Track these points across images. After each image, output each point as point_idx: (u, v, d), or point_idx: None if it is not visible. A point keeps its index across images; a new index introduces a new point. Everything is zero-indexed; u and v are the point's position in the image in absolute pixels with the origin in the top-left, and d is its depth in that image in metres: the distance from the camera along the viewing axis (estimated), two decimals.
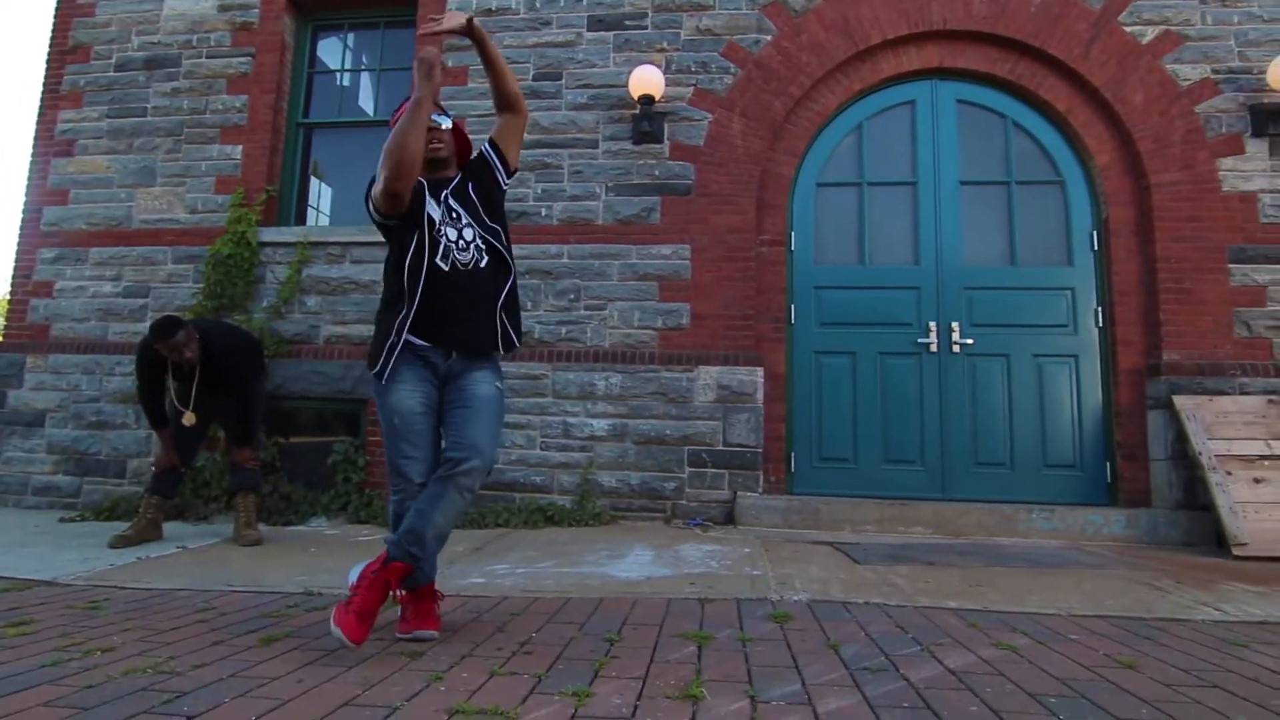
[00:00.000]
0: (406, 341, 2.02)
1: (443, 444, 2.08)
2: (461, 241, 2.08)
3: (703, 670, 1.72)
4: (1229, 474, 3.72)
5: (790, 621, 2.18)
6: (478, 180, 2.20)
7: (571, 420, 4.40)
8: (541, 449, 4.40)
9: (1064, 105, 4.49)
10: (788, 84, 4.58)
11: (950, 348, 4.40)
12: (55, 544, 3.48)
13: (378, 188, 1.99)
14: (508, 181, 2.26)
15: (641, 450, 4.32)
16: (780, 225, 4.59)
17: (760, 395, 4.32)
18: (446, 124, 2.16)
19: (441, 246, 2.05)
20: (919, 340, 4.42)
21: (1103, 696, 1.59)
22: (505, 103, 2.22)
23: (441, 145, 2.13)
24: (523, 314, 4.47)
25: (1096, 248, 4.43)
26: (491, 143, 2.24)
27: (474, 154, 2.26)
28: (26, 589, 2.59)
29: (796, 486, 4.39)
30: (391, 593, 1.92)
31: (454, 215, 2.11)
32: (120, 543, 3.42)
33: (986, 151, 4.61)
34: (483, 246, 2.11)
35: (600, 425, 4.37)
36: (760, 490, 4.23)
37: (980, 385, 4.38)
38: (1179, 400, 3.98)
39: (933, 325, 4.42)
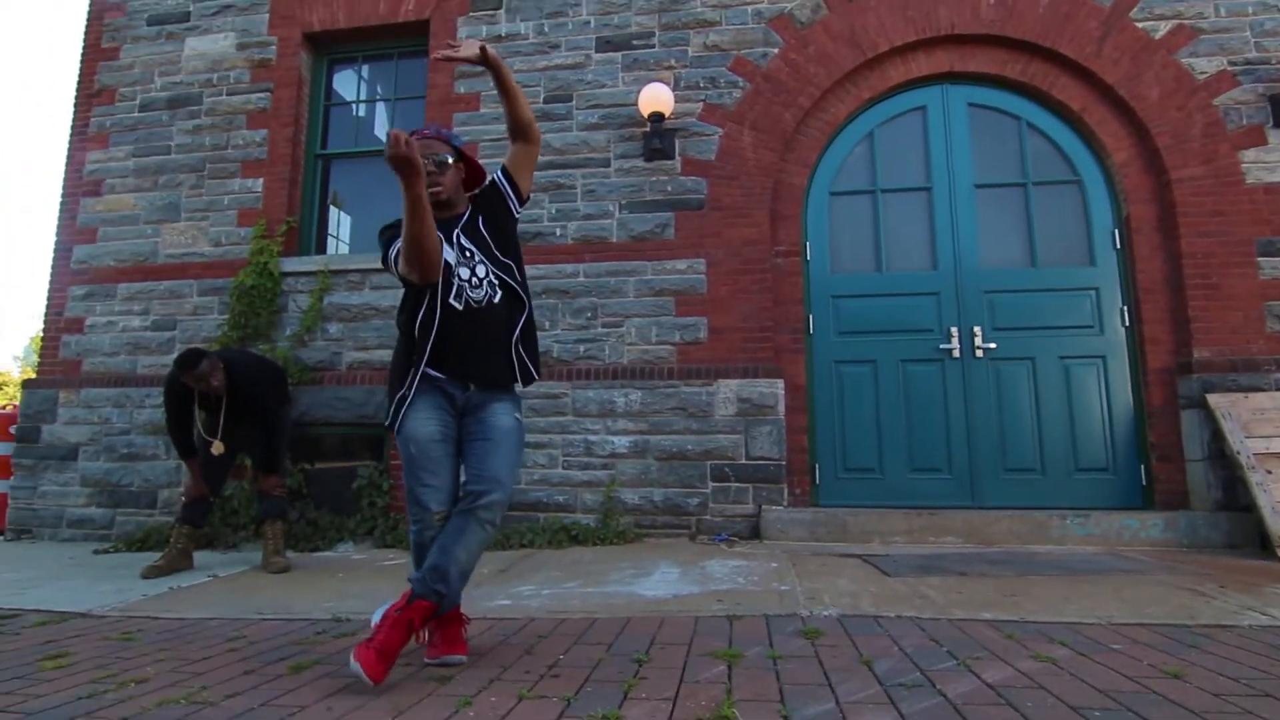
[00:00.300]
0: (423, 373, 2.03)
1: (462, 477, 2.06)
2: (474, 279, 2.07)
3: (733, 690, 1.69)
4: (1269, 473, 3.61)
5: (821, 637, 2.15)
6: (489, 213, 2.18)
7: (593, 438, 4.40)
8: (564, 468, 4.40)
9: (1078, 104, 4.45)
10: (797, 95, 4.59)
11: (973, 353, 4.34)
12: (90, 576, 3.54)
13: (403, 269, 1.98)
14: (520, 210, 2.25)
15: (664, 466, 4.30)
16: (795, 236, 4.58)
17: (781, 407, 4.29)
18: (447, 159, 2.13)
19: (455, 287, 2.05)
20: (941, 346, 4.37)
21: (1149, 708, 1.54)
22: (519, 130, 2.19)
23: (441, 188, 2.09)
24: (540, 334, 4.56)
25: (1119, 246, 4.36)
26: (504, 171, 2.23)
27: (486, 181, 2.26)
28: (63, 621, 2.63)
29: (822, 499, 4.34)
30: (415, 634, 1.89)
31: (466, 254, 2.09)
32: (152, 573, 3.47)
33: (1001, 154, 4.57)
34: (495, 283, 2.09)
35: (621, 442, 4.36)
36: (785, 503, 4.18)
37: (1006, 390, 4.31)
38: (1213, 398, 3.88)
39: (954, 330, 4.37)
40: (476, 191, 2.27)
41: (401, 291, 2.19)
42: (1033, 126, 4.56)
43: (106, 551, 4.32)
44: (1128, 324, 4.28)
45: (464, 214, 2.16)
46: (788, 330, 4.47)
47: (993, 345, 4.33)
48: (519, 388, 2.17)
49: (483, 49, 2.07)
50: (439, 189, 2.09)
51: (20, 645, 2.29)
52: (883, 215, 4.58)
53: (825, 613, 2.45)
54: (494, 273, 2.10)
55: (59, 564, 3.90)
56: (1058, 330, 4.32)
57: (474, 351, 2.06)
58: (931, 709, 1.55)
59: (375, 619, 1.94)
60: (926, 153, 4.61)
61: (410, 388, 2.02)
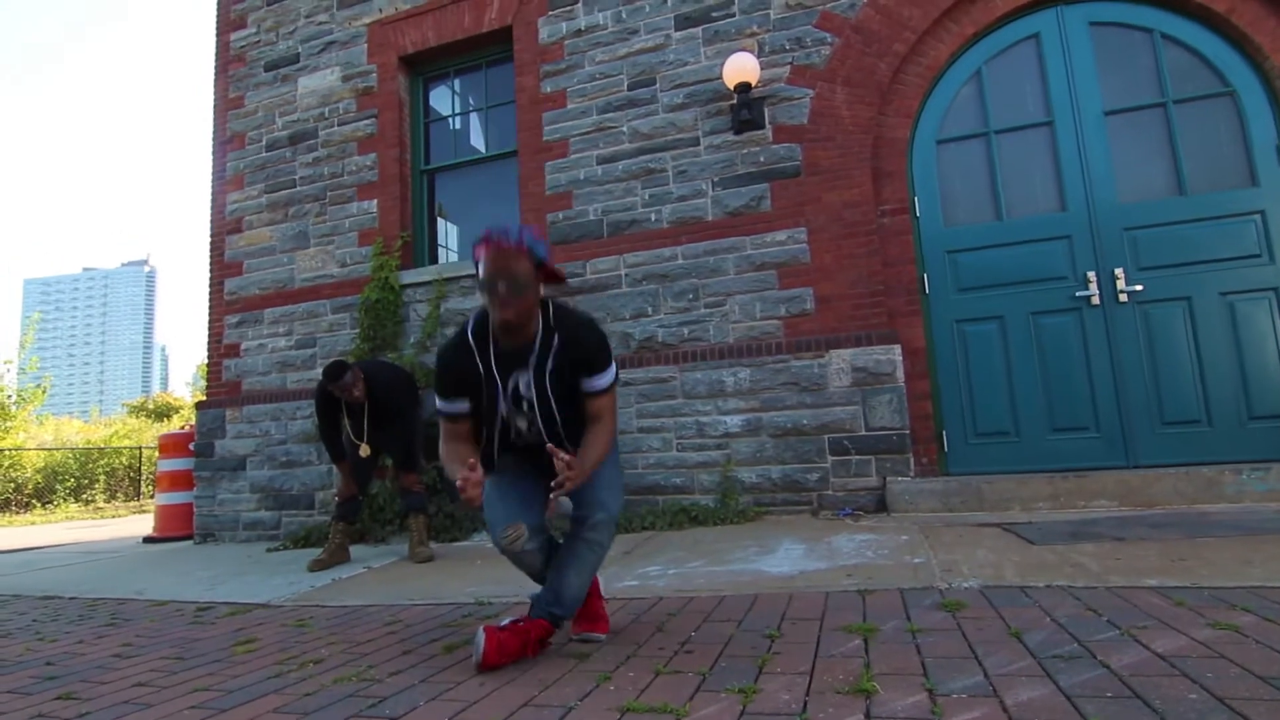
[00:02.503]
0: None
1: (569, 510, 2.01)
2: (532, 430, 1.98)
3: (872, 664, 1.65)
4: None
5: (962, 610, 2.04)
6: (561, 365, 1.90)
7: (704, 420, 4.40)
8: (678, 450, 4.43)
9: (1223, 6, 3.91)
10: (891, 42, 4.33)
11: (1116, 297, 3.95)
12: (265, 571, 3.97)
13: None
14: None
15: (779, 443, 4.24)
16: (901, 192, 4.34)
17: (900, 374, 4.10)
18: (525, 282, 1.80)
19: (512, 431, 1.99)
20: (1077, 294, 4.01)
21: None
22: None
23: (512, 313, 1.80)
24: (643, 320, 4.60)
25: None
26: (585, 388, 1.95)
27: (587, 362, 1.93)
28: (248, 612, 2.97)
29: (952, 467, 4.12)
30: (528, 647, 1.89)
31: (525, 407, 1.94)
32: (317, 566, 3.84)
33: (1133, 74, 4.11)
34: (545, 433, 1.95)
35: (734, 422, 4.34)
36: (912, 474, 4.00)
37: (1158, 335, 3.90)
38: None
39: (1091, 275, 3.99)
40: (570, 329, 1.93)
41: None
42: (1169, 38, 4.06)
43: (277, 549, 4.82)
44: None
45: (534, 344, 1.90)
46: (901, 292, 4.26)
47: (1139, 287, 3.92)
48: None
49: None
50: (510, 317, 1.81)
51: (216, 633, 2.61)
52: (998, 159, 4.25)
53: (965, 584, 2.33)
54: (545, 428, 1.94)
55: (239, 562, 4.39)
56: (1217, 264, 3.85)
57: (535, 453, 1.99)
58: (1093, 680, 1.44)
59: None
60: (1044, 84, 4.22)
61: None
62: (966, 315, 4.20)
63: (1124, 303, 3.94)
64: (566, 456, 1.75)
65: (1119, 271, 3.95)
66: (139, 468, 14.46)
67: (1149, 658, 1.55)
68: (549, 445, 1.79)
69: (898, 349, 4.13)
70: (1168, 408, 3.85)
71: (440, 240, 5.73)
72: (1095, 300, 3.98)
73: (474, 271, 1.93)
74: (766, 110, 4.48)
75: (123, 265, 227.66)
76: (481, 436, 1.99)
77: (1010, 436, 4.07)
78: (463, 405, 1.96)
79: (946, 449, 4.14)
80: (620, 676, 1.71)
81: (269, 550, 4.80)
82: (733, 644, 1.90)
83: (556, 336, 1.90)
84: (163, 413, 26.02)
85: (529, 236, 1.83)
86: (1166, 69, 4.05)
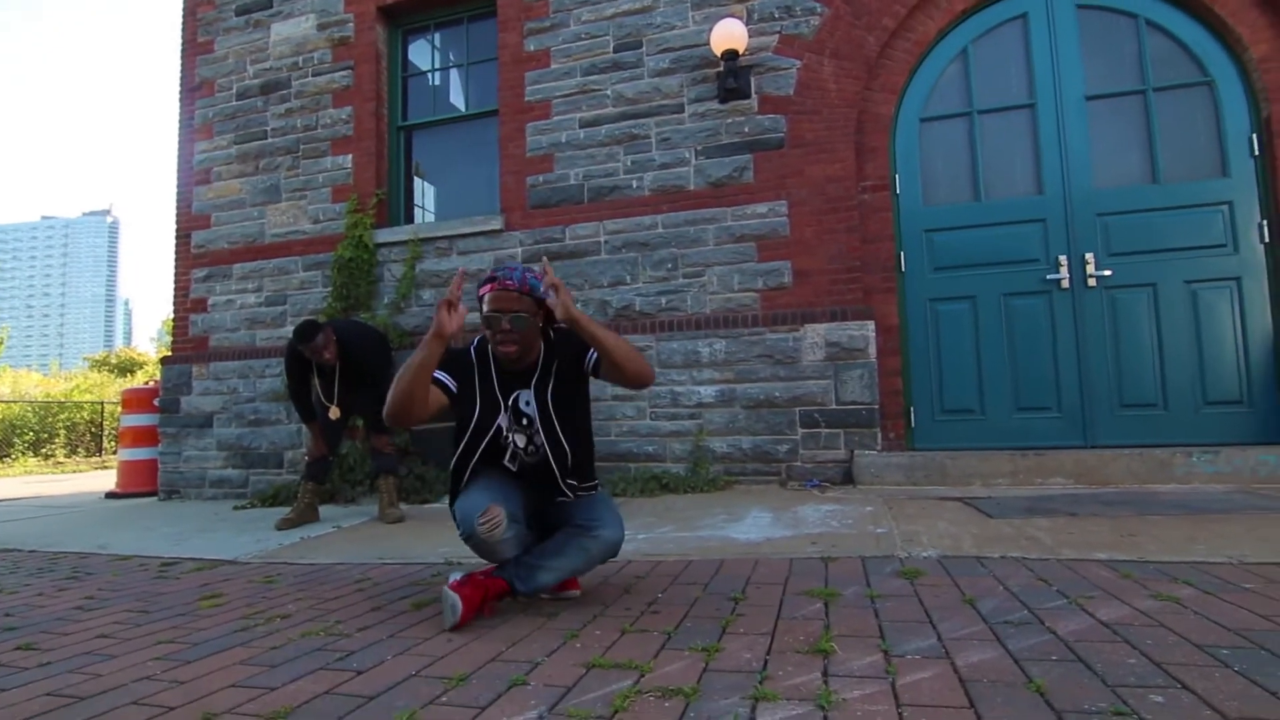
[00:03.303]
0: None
1: (572, 520, 2.02)
2: (531, 447, 2.01)
3: (831, 626, 1.70)
4: None
5: (921, 578, 2.11)
6: (564, 375, 2.01)
7: (679, 389, 4.43)
8: (651, 419, 4.46)
9: None
10: (880, 15, 4.30)
11: (1085, 282, 4.03)
12: (233, 528, 3.94)
13: (385, 413, 1.93)
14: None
15: (751, 414, 4.29)
16: (883, 169, 4.35)
17: (873, 350, 4.16)
18: (527, 316, 1.92)
19: (509, 452, 2.01)
20: (1048, 277, 4.08)
21: None
22: (626, 381, 1.99)
23: (515, 350, 1.94)
24: (621, 288, 4.59)
25: (1258, 152, 3.89)
26: (594, 363, 2.00)
27: (577, 349, 2.01)
28: (214, 568, 2.95)
29: (918, 442, 4.21)
30: (484, 605, 1.90)
31: (524, 422, 2.00)
32: (285, 525, 3.82)
33: (1116, 59, 4.14)
34: (549, 452, 1.99)
35: (708, 392, 4.37)
36: (879, 448, 4.09)
37: (1122, 320, 3.99)
38: None
39: (1063, 259, 4.06)
40: (554, 337, 2.06)
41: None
42: (1153, 24, 4.09)
43: (244, 507, 4.78)
44: (1267, 240, 3.84)
45: (535, 368, 2.02)
46: (878, 269, 4.30)
47: (1107, 272, 4.00)
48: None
49: (565, 310, 1.86)
50: (512, 351, 1.95)
51: (180, 587, 2.59)
52: (980, 139, 4.27)
53: (924, 554, 2.40)
54: (549, 446, 1.99)
55: (205, 519, 4.35)
56: (1184, 252, 3.94)
57: (531, 486, 2.04)
58: (1040, 645, 1.51)
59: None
60: (1029, 66, 4.23)
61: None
62: (940, 294, 4.26)
63: (1092, 287, 4.02)
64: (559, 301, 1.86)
65: (1089, 256, 4.03)
66: (101, 423, 14.15)
67: (1093, 625, 1.62)
68: (543, 261, 1.99)
69: (872, 325, 4.18)
70: (1127, 391, 3.97)
71: (417, 200, 5.62)
72: (1065, 284, 4.06)
73: (478, 309, 2.02)
74: (753, 79, 4.44)
75: (84, 215, 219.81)
76: (459, 446, 2.00)
77: (976, 414, 4.16)
78: (450, 382, 2.01)
79: (914, 425, 4.23)
80: (587, 634, 1.75)
81: (236, 508, 4.76)
82: (698, 606, 1.94)
83: (557, 360, 2.03)
84: (126, 368, 25.43)
85: (530, 278, 1.96)
86: (1149, 56, 4.08)
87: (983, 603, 1.83)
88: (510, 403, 2.01)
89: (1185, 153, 4.01)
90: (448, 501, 2.05)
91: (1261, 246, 3.86)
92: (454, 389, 2.01)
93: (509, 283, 1.93)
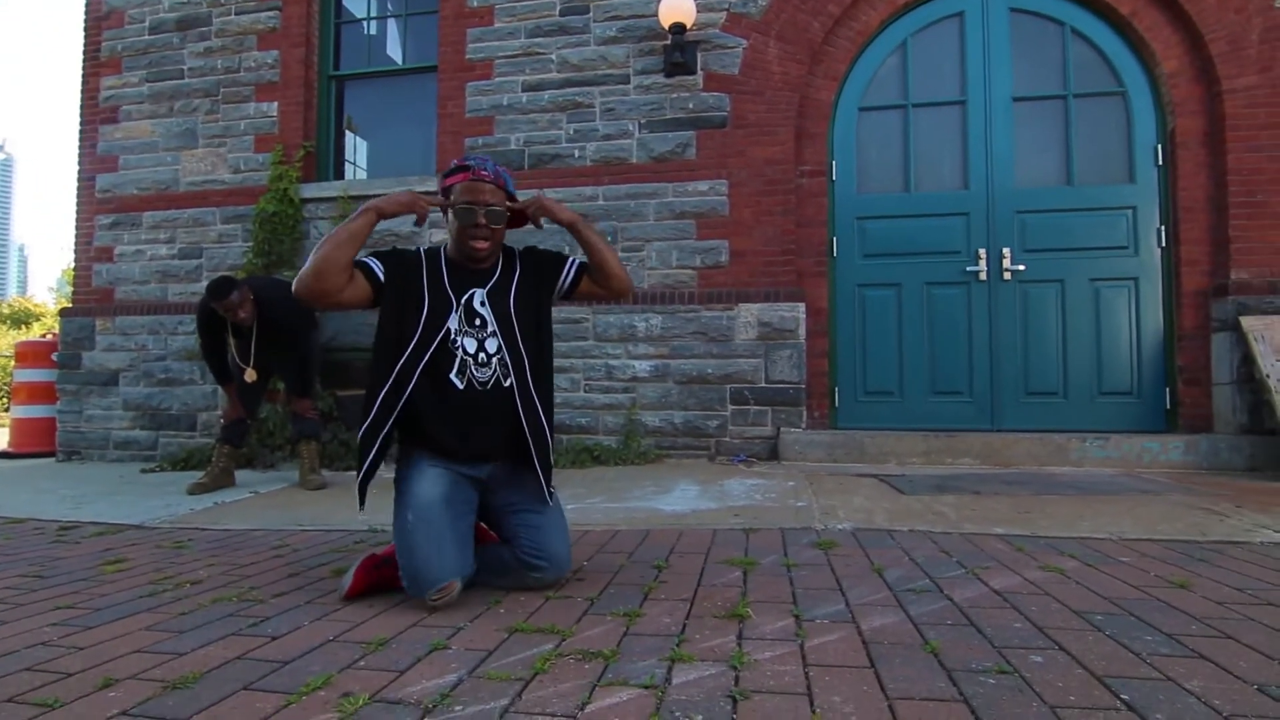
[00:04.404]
0: (419, 455, 1.80)
1: (517, 540, 1.83)
2: (482, 355, 1.77)
3: (748, 593, 1.78)
4: None
5: (834, 548, 2.22)
6: (529, 285, 1.86)
7: (614, 363, 4.45)
8: (585, 391, 4.47)
9: (1127, 8, 4.17)
10: (826, 2, 4.35)
11: (1001, 275, 4.25)
12: (140, 492, 3.74)
13: (296, 285, 1.69)
14: (563, 296, 1.95)
15: (684, 390, 4.35)
16: (821, 155, 4.44)
17: (802, 331, 4.28)
18: (504, 211, 1.80)
19: (457, 360, 1.75)
20: (968, 269, 4.29)
21: (1152, 614, 1.58)
22: (609, 291, 1.94)
23: (488, 246, 1.78)
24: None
25: (1161, 162, 4.18)
26: (579, 269, 1.93)
27: (554, 257, 1.93)
28: (119, 532, 2.81)
29: (841, 421, 4.38)
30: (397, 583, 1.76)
31: (477, 323, 1.78)
32: (198, 489, 3.65)
33: (1042, 64, 4.34)
34: (508, 364, 1.78)
35: (642, 366, 4.41)
36: (804, 426, 4.24)
37: (1033, 313, 4.25)
38: (1246, 321, 3.79)
39: (982, 253, 4.27)
40: (523, 250, 1.94)
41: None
42: (1077, 33, 4.30)
43: (153, 471, 4.55)
44: (1164, 245, 4.15)
45: (494, 272, 1.85)
46: (811, 253, 4.41)
47: (1021, 267, 4.24)
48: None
49: (545, 209, 1.80)
50: (485, 248, 1.79)
51: (82, 552, 2.46)
52: (913, 132, 4.42)
53: (840, 526, 2.53)
54: (508, 354, 1.79)
55: (110, 482, 4.12)
56: (1090, 251, 4.21)
57: (476, 433, 1.78)
58: (938, 611, 1.62)
59: None
60: (963, 63, 4.39)
61: (377, 458, 1.78)
62: (868, 280, 4.42)
63: (1007, 280, 4.25)
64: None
65: (1007, 251, 4.25)
66: None
67: (986, 593, 1.76)
68: None
69: (802, 307, 4.29)
70: (1033, 379, 4.24)
71: (348, 155, 5.38)
72: (983, 276, 4.27)
73: (440, 198, 1.82)
74: (699, 55, 4.43)
75: None
76: (387, 375, 1.74)
77: (895, 396, 4.36)
78: (379, 269, 1.77)
79: (837, 404, 4.40)
80: (510, 600, 1.76)
81: (144, 471, 4.52)
82: (622, 573, 1.99)
83: (519, 267, 1.89)
84: (21, 319, 23.51)
85: (503, 170, 1.83)
86: (1072, 62, 4.30)
87: (889, 572, 1.95)
88: (463, 302, 1.79)
89: (1098, 158, 4.26)
90: (359, 464, 1.79)
91: (1159, 250, 4.16)
92: (381, 277, 1.76)
93: (484, 172, 1.76)
